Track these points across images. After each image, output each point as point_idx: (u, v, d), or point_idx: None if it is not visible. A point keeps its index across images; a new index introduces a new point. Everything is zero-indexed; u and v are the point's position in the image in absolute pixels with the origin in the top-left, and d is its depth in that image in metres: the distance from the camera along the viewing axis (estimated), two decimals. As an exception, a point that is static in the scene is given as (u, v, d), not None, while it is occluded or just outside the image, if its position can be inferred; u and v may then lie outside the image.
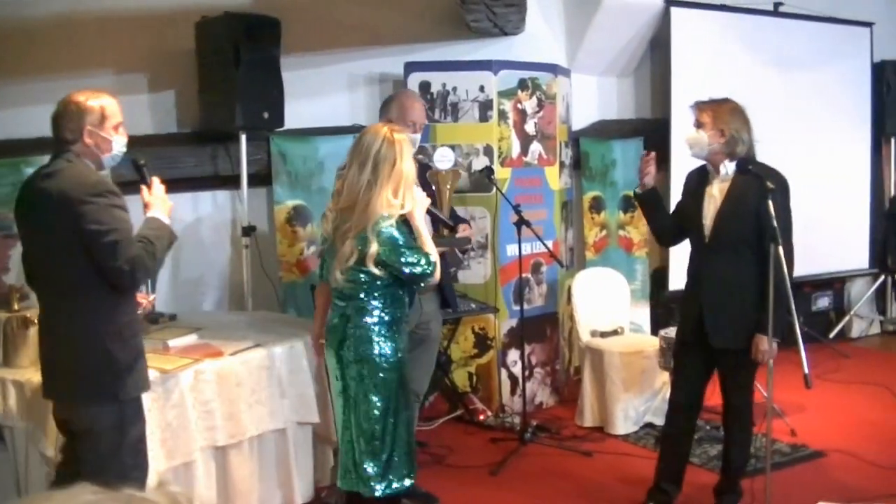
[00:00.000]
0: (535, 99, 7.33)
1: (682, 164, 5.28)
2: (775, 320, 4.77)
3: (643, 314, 8.37)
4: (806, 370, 4.40)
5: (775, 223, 4.54)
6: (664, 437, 5.57)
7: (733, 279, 4.98)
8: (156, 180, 4.26)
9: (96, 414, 3.96)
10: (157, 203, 4.17)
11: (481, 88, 7.10)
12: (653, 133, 8.47)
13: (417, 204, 4.48)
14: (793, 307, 4.57)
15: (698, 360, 5.19)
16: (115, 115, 4.08)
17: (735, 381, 5.11)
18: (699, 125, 5.02)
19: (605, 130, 8.60)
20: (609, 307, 7.41)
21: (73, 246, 3.85)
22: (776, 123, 8.52)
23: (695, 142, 5.05)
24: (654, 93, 8.90)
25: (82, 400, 3.99)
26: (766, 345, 4.85)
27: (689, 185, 5.30)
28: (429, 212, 4.69)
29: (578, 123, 8.35)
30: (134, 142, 6.23)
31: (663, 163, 8.19)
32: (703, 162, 5.17)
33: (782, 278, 4.57)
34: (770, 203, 4.58)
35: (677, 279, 7.04)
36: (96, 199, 3.83)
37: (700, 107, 5.08)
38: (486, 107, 7.11)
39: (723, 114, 4.95)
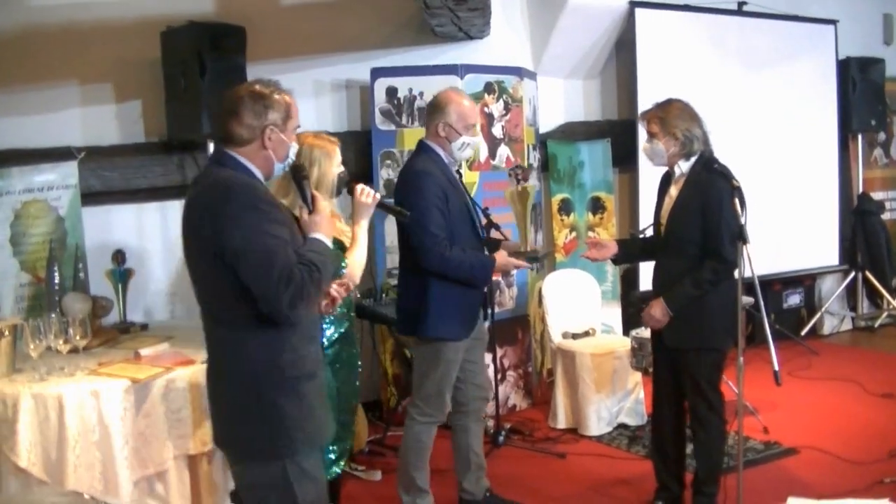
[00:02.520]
0: (501, 102, 7.33)
1: (650, 164, 5.26)
2: (680, 299, 4.88)
3: (614, 315, 8.37)
4: (776, 367, 4.42)
5: (742, 221, 4.54)
6: (651, 437, 5.56)
7: (681, 278, 4.96)
8: (318, 196, 3.67)
9: (258, 473, 3.41)
10: (324, 224, 3.52)
11: (448, 93, 7.08)
12: (619, 134, 8.50)
13: (359, 208, 4.49)
14: (762, 305, 4.58)
15: (666, 359, 5.19)
16: (297, 117, 3.55)
17: (690, 381, 5.02)
18: (651, 135, 5.02)
19: (571, 132, 8.61)
20: (580, 308, 7.43)
21: (219, 268, 3.24)
22: (743, 122, 8.62)
23: (652, 153, 5.06)
24: (620, 94, 8.92)
25: (240, 456, 3.47)
26: (656, 311, 4.97)
27: (659, 187, 5.31)
28: (382, 205, 4.66)
29: (545, 126, 8.38)
30: (101, 152, 6.30)
31: (630, 163, 8.25)
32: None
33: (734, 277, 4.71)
34: (737, 202, 4.59)
35: (647, 279, 7.05)
36: (244, 212, 3.21)
37: (646, 117, 5.07)
38: (453, 111, 7.07)
39: (670, 118, 4.93)
